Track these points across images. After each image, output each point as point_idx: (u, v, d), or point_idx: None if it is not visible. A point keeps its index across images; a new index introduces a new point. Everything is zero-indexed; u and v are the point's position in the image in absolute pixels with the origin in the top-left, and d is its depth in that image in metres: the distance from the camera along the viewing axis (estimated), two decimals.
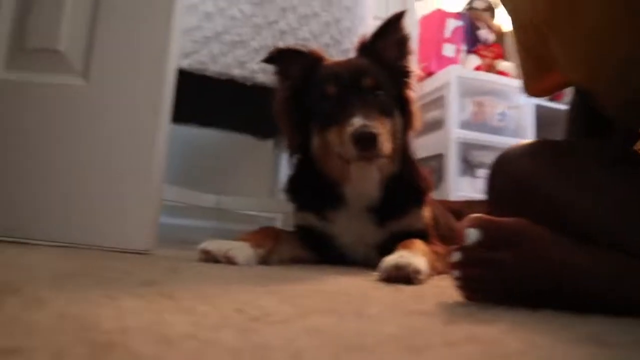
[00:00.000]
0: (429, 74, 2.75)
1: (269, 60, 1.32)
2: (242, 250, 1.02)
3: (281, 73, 1.31)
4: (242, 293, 0.62)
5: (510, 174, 0.83)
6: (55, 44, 1.22)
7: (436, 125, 2.54)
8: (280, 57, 1.30)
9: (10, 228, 1.16)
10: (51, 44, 1.23)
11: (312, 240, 1.29)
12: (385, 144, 1.12)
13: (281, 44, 1.67)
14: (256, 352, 0.34)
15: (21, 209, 1.18)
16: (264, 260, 1.09)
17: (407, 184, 1.28)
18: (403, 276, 0.87)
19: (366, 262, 1.27)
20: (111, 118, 1.20)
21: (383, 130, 1.13)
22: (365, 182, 1.24)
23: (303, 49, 1.31)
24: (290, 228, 1.38)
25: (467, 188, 2.49)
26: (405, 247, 1.03)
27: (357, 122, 1.09)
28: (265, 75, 1.65)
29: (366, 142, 1.08)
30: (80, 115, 1.21)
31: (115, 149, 1.19)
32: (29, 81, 1.22)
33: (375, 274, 0.93)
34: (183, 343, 0.35)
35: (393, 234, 1.24)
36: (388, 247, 1.09)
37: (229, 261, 0.99)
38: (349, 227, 1.27)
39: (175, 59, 1.25)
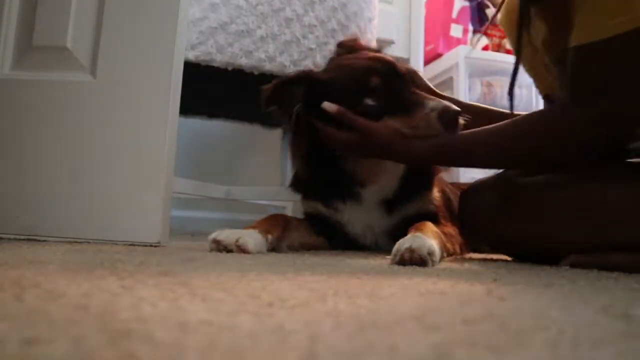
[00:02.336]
0: (437, 55, 2.73)
1: (268, 104, 1.20)
2: (252, 238, 1.03)
3: (284, 105, 1.20)
4: (256, 280, 0.62)
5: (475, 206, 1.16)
6: (62, 41, 1.23)
7: None
8: (275, 94, 1.20)
9: (23, 226, 1.18)
10: (58, 41, 1.23)
11: (321, 227, 1.29)
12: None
13: (287, 32, 1.67)
14: (273, 335, 0.34)
15: (33, 206, 1.19)
16: (274, 248, 1.10)
17: (417, 168, 1.27)
18: (416, 258, 0.87)
19: (377, 247, 1.27)
20: (120, 113, 1.20)
21: None
22: (391, 177, 1.23)
23: (290, 74, 1.24)
24: (300, 216, 1.38)
25: (478, 170, 2.47)
26: (418, 230, 1.03)
27: (436, 104, 1.07)
28: (272, 63, 1.65)
29: (454, 120, 1.05)
30: (89, 111, 1.22)
31: (124, 143, 1.19)
32: (37, 79, 1.23)
33: (389, 258, 0.93)
34: (200, 329, 0.35)
35: (403, 219, 1.23)
36: (398, 232, 1.09)
37: (240, 249, 1.00)
38: (358, 216, 1.27)
39: (183, 52, 1.25)
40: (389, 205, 1.26)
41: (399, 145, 1.08)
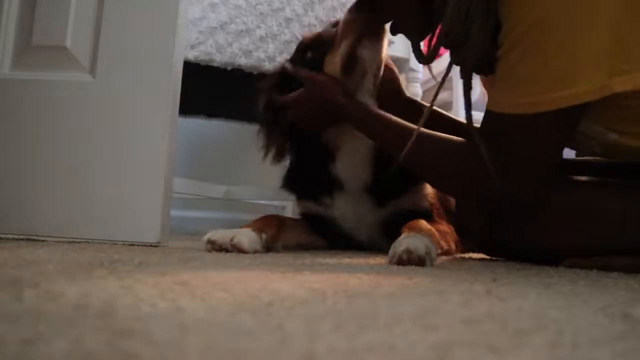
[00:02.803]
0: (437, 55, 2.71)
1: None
2: (246, 236, 1.03)
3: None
4: (255, 280, 0.62)
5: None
6: (61, 41, 1.23)
7: (445, 107, 2.52)
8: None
9: (22, 225, 1.18)
10: (57, 40, 1.23)
11: (317, 225, 1.29)
12: None
13: (286, 31, 1.67)
14: (273, 335, 0.34)
15: (32, 206, 1.19)
16: (269, 248, 1.09)
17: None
18: (414, 259, 0.87)
19: (372, 244, 1.26)
20: (119, 113, 1.20)
21: None
22: (362, 142, 1.20)
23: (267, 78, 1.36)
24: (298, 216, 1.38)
25: None
26: (412, 229, 1.02)
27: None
28: (271, 63, 1.65)
29: (366, 3, 1.13)
30: (88, 111, 1.21)
31: (124, 143, 1.19)
32: (37, 79, 1.23)
33: (386, 258, 0.93)
34: (199, 328, 0.35)
35: (395, 213, 1.23)
36: (392, 228, 1.09)
37: (236, 248, 1.00)
38: (348, 210, 1.26)
39: (182, 52, 1.25)
40: (378, 197, 1.25)
41: (338, 96, 1.14)
